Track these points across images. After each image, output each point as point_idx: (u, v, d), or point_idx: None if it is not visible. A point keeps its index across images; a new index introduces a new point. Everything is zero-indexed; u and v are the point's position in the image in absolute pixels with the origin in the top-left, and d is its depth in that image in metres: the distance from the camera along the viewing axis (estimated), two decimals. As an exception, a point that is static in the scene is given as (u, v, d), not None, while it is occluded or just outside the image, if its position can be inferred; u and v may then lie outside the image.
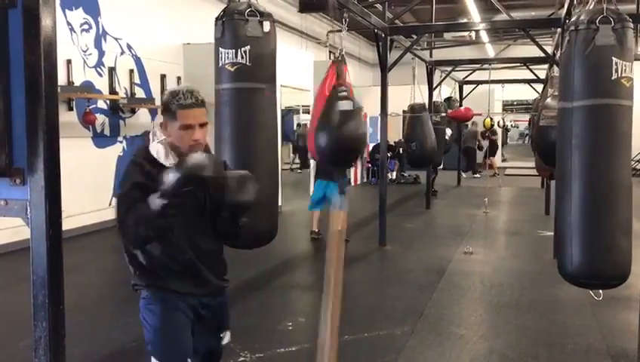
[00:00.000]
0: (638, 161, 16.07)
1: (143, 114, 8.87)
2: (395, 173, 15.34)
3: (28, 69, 2.00)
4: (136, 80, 8.74)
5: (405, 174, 15.57)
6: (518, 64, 14.52)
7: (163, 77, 9.14)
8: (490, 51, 19.04)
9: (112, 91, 8.26)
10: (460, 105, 14.47)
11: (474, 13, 13.66)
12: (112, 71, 8.25)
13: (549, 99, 6.07)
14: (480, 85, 15.13)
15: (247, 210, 2.18)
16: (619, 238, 3.29)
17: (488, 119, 14.94)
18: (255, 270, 5.92)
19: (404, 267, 6.50)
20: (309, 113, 8.72)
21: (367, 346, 4.08)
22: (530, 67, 13.48)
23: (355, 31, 16.21)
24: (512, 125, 30.85)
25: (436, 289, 5.47)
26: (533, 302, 5.15)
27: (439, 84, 12.18)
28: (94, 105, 7.95)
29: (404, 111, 12.09)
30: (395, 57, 7.85)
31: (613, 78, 3.17)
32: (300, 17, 14.52)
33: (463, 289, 5.58)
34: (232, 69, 3.36)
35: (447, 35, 15.18)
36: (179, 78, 9.39)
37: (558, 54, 6.57)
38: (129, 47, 8.63)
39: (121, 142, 8.53)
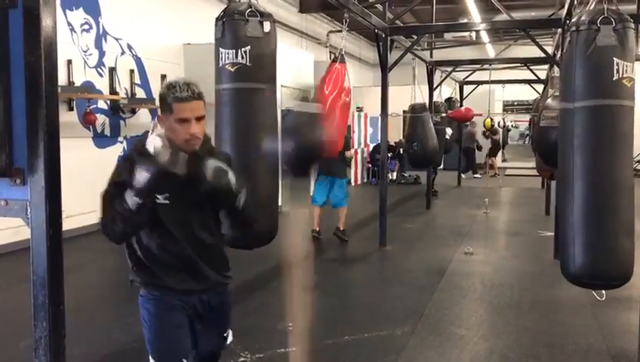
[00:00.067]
0: (639, 161, 16.05)
1: (143, 114, 8.86)
2: (395, 174, 15.34)
3: (28, 69, 2.00)
4: (137, 80, 8.74)
5: (406, 174, 15.56)
6: (519, 64, 14.52)
7: (163, 77, 9.11)
8: (491, 51, 19.04)
9: (113, 91, 8.25)
10: (461, 106, 14.48)
11: (474, 14, 13.66)
12: (112, 71, 8.25)
13: (549, 100, 6.07)
14: (480, 85, 15.15)
15: (230, 195, 2.15)
16: (621, 239, 3.28)
17: (489, 119, 14.97)
18: (255, 270, 5.91)
19: (404, 267, 6.49)
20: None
21: (368, 346, 4.08)
22: (531, 67, 13.48)
23: (355, 31, 16.20)
24: (512, 125, 30.83)
25: (436, 290, 5.47)
26: (534, 303, 5.15)
27: (440, 84, 12.19)
28: (95, 106, 7.95)
29: (404, 112, 12.09)
30: (396, 57, 7.85)
31: (614, 78, 3.17)
32: (300, 17, 14.54)
33: (464, 290, 5.58)
34: (233, 69, 3.36)
35: (448, 36, 15.22)
36: (179, 79, 9.39)
37: (558, 55, 6.57)
38: (129, 47, 8.63)
39: (121, 142, 8.52)
